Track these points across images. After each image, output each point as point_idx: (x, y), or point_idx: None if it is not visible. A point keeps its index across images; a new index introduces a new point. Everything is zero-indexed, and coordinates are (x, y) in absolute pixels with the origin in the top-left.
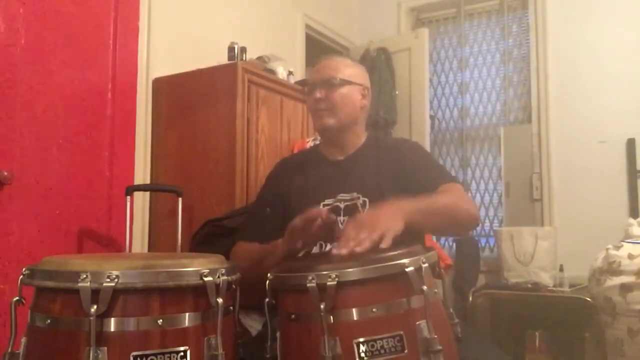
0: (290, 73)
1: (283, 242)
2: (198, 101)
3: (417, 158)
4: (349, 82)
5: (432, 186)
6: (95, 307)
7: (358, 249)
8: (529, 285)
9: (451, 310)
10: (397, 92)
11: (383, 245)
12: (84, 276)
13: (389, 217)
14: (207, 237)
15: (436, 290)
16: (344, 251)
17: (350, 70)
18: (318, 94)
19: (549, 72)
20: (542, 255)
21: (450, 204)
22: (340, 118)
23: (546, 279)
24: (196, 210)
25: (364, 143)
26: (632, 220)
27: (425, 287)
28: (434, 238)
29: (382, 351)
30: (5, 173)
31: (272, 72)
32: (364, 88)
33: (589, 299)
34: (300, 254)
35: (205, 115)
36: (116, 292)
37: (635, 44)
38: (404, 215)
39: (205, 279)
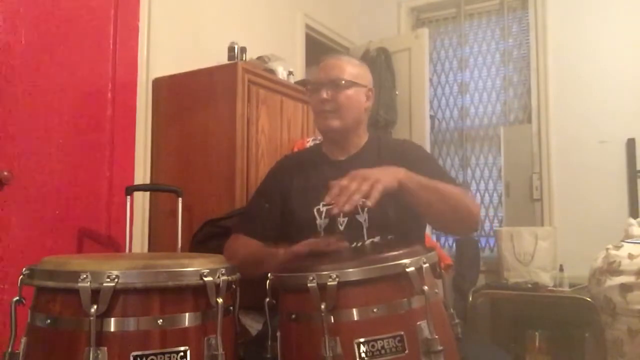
0: (290, 73)
1: (284, 255)
2: (198, 101)
3: (422, 160)
4: (355, 84)
5: None
6: (95, 307)
7: (347, 207)
8: (529, 285)
9: (452, 311)
10: (397, 92)
11: (368, 203)
12: (84, 276)
13: (384, 172)
14: (207, 237)
15: (437, 291)
16: (335, 210)
17: (356, 71)
18: (324, 94)
19: (549, 72)
20: (542, 255)
21: (454, 193)
22: (345, 120)
23: (546, 279)
24: (196, 210)
25: (365, 143)
26: (632, 220)
27: (426, 287)
28: (434, 238)
29: (383, 351)
30: (5, 173)
31: (272, 72)
32: (369, 89)
33: (589, 299)
34: None
35: (205, 115)
36: (116, 292)
37: (635, 44)
38: (401, 177)
39: (205, 279)
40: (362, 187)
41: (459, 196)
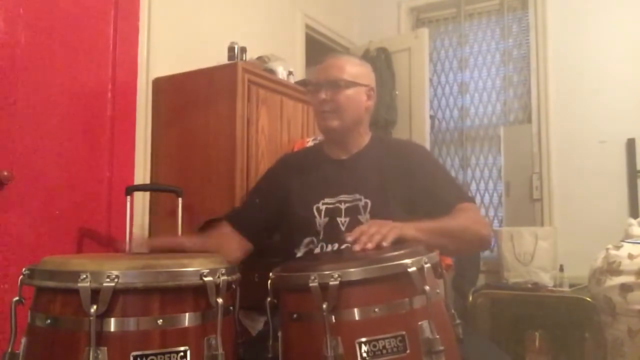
0: (290, 73)
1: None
2: (198, 101)
3: (430, 168)
4: (355, 84)
5: (448, 205)
6: (95, 307)
7: (369, 245)
8: (529, 285)
9: (453, 311)
10: (397, 92)
11: (384, 243)
12: (84, 276)
13: (400, 224)
14: None
15: (438, 291)
16: (357, 247)
17: (356, 70)
18: (323, 95)
19: (549, 72)
20: (542, 255)
21: (463, 226)
22: (345, 120)
23: (546, 279)
24: (196, 210)
25: (367, 143)
26: (632, 220)
27: (427, 287)
28: None
29: (384, 351)
30: (5, 173)
31: (272, 72)
32: (370, 89)
33: (589, 299)
34: (300, 254)
35: (205, 115)
36: (116, 292)
37: (635, 44)
38: (414, 232)
39: (205, 279)
40: (381, 230)
41: (470, 228)
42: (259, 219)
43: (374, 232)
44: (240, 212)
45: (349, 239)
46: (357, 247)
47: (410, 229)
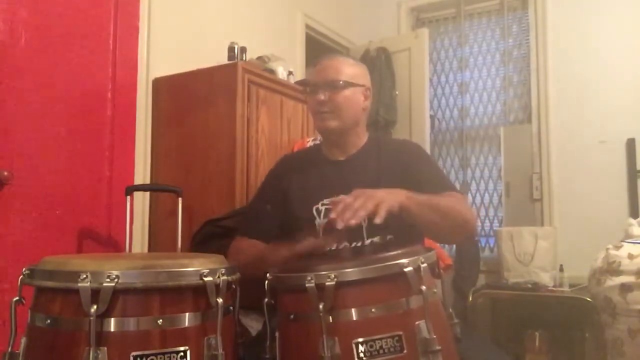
0: (290, 73)
1: (285, 252)
2: (198, 101)
3: (421, 162)
4: (352, 85)
5: (435, 191)
6: (95, 307)
7: (352, 221)
8: (529, 285)
9: (450, 311)
10: (397, 92)
11: (376, 220)
12: (84, 276)
13: (387, 193)
14: (207, 237)
15: (435, 290)
16: (340, 225)
17: (352, 71)
18: (321, 96)
19: (549, 72)
20: (542, 255)
21: (450, 205)
22: (343, 120)
23: (546, 279)
24: (196, 210)
25: (365, 144)
26: (632, 220)
27: (424, 287)
28: None
29: (381, 351)
30: (5, 173)
31: (272, 72)
32: (366, 89)
33: (589, 299)
34: None
35: (205, 115)
36: (116, 292)
37: (635, 44)
38: (403, 199)
39: (205, 279)
40: (367, 205)
41: (456, 209)
42: (276, 223)
43: (359, 207)
44: (258, 225)
45: (332, 215)
46: (339, 225)
47: (400, 196)
